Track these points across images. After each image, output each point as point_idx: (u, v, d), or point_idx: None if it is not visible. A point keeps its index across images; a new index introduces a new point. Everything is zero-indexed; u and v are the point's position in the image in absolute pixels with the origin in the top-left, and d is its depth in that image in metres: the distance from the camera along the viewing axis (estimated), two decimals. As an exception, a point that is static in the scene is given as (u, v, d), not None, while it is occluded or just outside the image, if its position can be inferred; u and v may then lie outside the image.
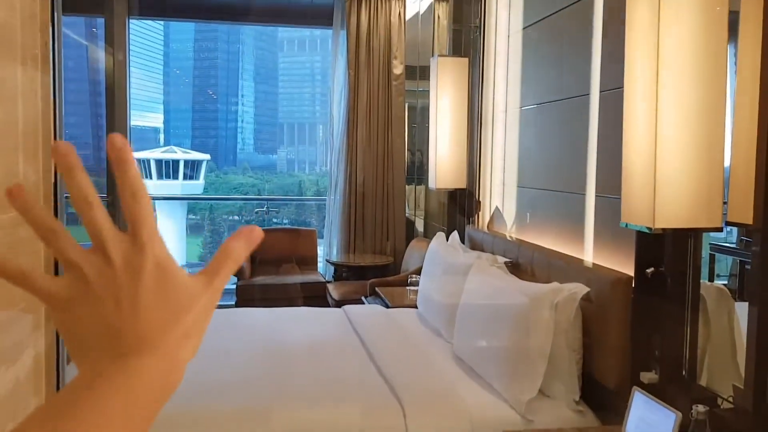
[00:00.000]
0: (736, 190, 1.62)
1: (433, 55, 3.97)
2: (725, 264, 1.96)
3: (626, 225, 1.75)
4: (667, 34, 1.57)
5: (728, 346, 1.80)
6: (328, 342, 2.80)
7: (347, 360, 2.59)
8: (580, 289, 2.17)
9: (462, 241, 3.33)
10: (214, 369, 2.42)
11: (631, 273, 2.03)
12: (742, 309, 1.72)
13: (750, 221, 1.57)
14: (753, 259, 1.59)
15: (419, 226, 4.94)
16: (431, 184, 3.87)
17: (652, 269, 1.94)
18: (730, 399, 1.71)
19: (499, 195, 3.32)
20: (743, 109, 1.59)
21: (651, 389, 1.81)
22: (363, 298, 3.76)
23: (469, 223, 3.63)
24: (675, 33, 1.57)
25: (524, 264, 2.72)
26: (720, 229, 1.64)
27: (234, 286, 4.43)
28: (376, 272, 4.22)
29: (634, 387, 1.77)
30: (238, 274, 4.42)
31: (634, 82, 1.69)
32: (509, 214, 3.20)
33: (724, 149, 1.60)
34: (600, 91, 2.31)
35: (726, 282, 1.86)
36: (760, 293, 1.55)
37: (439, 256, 3.15)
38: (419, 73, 4.72)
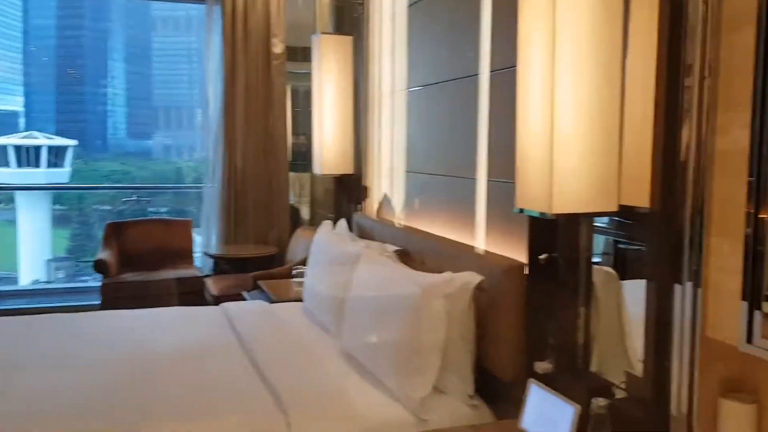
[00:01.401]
0: (628, 173, 1.57)
1: (315, 33, 3.77)
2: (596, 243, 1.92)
3: (521, 211, 1.66)
4: (565, 8, 1.47)
5: (618, 330, 1.77)
6: (203, 345, 2.56)
7: (225, 364, 2.37)
8: (473, 278, 2.08)
9: (350, 229, 3.18)
10: (70, 383, 2.13)
11: (525, 260, 1.97)
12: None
13: (641, 203, 1.53)
14: (649, 241, 1.55)
15: (305, 214, 4.75)
16: (316, 170, 3.69)
17: (545, 255, 1.88)
18: (623, 386, 1.68)
19: (388, 181, 3.20)
20: (635, 92, 1.53)
21: (546, 379, 1.76)
22: (245, 293, 3.53)
23: (357, 211, 3.48)
24: (573, 6, 1.47)
25: (415, 253, 2.61)
26: (615, 213, 1.59)
27: (99, 285, 4.04)
28: (259, 264, 3.98)
29: (531, 380, 1.70)
30: (103, 270, 4.02)
31: (527, 60, 1.60)
32: (398, 200, 3.08)
33: (622, 132, 1.54)
34: (490, 71, 2.22)
35: (599, 260, 1.83)
36: (656, 274, 1.51)
37: (325, 246, 2.98)
38: (303, 53, 4.49)
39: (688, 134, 1.38)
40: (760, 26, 1.19)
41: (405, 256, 2.64)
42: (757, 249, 1.22)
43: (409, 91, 2.96)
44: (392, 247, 2.69)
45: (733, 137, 1.26)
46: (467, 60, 2.38)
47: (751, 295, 1.22)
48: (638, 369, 1.61)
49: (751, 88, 1.22)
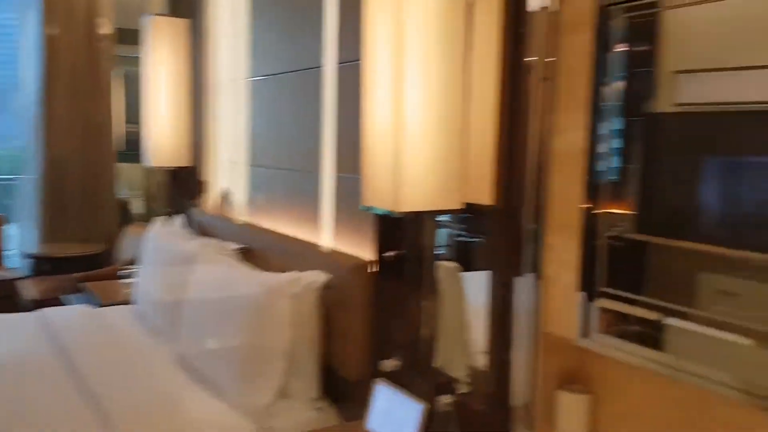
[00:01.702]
0: (472, 171, 1.58)
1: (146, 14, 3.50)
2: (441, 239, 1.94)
3: (368, 208, 1.61)
4: (411, 2, 1.44)
5: (461, 325, 1.79)
6: (16, 358, 2.26)
7: (43, 380, 2.10)
8: (319, 277, 2.02)
9: (188, 226, 2.98)
10: None
11: (372, 257, 1.94)
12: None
13: (485, 200, 1.55)
14: (492, 238, 1.58)
15: (139, 209, 4.41)
16: (147, 162, 3.43)
17: (392, 252, 1.86)
18: (467, 380, 1.70)
19: (230, 175, 3.04)
20: (478, 91, 1.54)
21: (394, 377, 1.74)
22: (66, 296, 3.19)
23: (195, 206, 3.28)
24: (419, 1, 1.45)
25: (258, 251, 2.50)
26: (462, 211, 1.59)
27: None
28: (85, 264, 3.63)
29: (376, 379, 1.67)
30: None
31: (373, 54, 1.55)
32: (241, 195, 2.94)
33: (467, 131, 1.54)
34: (338, 63, 2.16)
35: (444, 256, 1.86)
36: (498, 270, 1.53)
37: (159, 244, 2.77)
38: (136, 36, 4.16)
39: (528, 134, 1.41)
40: (596, 30, 1.23)
41: (248, 255, 2.52)
42: (591, 246, 1.26)
43: (252, 80, 2.82)
44: (233, 246, 2.56)
45: (571, 138, 1.30)
46: (313, 51, 2.30)
47: (587, 289, 1.27)
48: (481, 363, 1.64)
49: (587, 90, 1.26)
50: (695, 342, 1.10)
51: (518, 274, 1.46)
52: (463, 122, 1.54)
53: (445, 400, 1.48)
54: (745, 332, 1.02)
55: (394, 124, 1.50)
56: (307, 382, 2.00)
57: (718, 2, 1.04)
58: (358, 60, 1.65)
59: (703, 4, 1.06)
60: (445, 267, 1.84)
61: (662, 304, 1.15)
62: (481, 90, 1.53)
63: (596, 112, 1.24)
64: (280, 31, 2.60)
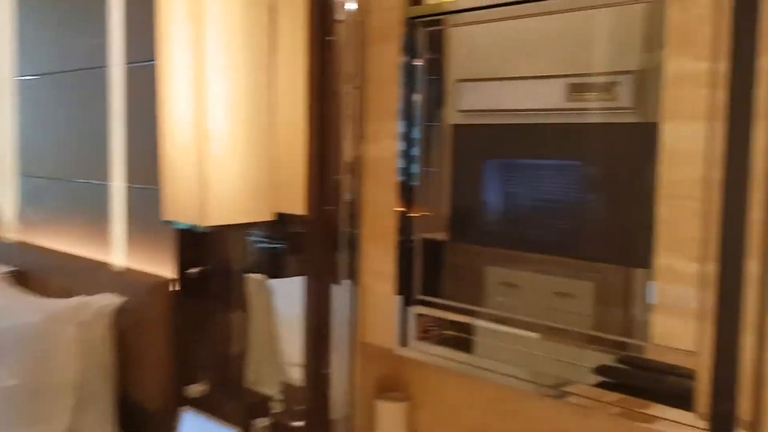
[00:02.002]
0: (283, 180, 1.52)
1: None
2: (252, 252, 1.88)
3: (170, 223, 1.49)
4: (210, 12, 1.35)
5: (271, 340, 1.73)
6: None
7: None
8: (112, 300, 1.83)
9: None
10: None
11: (173, 275, 1.79)
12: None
13: (298, 210, 1.50)
14: (307, 248, 1.52)
15: None
16: None
17: (196, 268, 1.74)
18: (283, 398, 1.65)
19: (-6, 186, 2.66)
20: (286, 98, 1.49)
21: (202, 403, 1.63)
22: None
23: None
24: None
25: (34, 274, 2.21)
26: (272, 222, 1.53)
27: None
28: None
29: (182, 407, 1.55)
30: None
31: (169, 55, 1.43)
32: (9, 209, 2.57)
33: (278, 137, 1.48)
34: (127, 63, 1.97)
35: (254, 270, 1.80)
36: (314, 281, 1.49)
37: None
38: None
39: (341, 142, 1.38)
40: (402, 41, 1.24)
41: (21, 279, 2.22)
42: (407, 252, 1.27)
43: (20, 80, 2.49)
44: (4, 268, 2.23)
45: (383, 146, 1.30)
46: (95, 48, 2.08)
47: (404, 296, 1.28)
48: (297, 378, 1.59)
49: (395, 98, 1.26)
50: (496, 341, 1.16)
51: (335, 283, 1.43)
52: (271, 130, 1.48)
53: (261, 423, 1.40)
54: (532, 327, 1.10)
55: (196, 133, 1.40)
56: (102, 417, 1.80)
57: (492, 23, 1.13)
58: (151, 60, 1.51)
59: (481, 24, 1.15)
60: (254, 280, 1.76)
61: (468, 307, 1.19)
62: (289, 98, 1.47)
63: (406, 120, 1.25)
64: (56, 25, 2.32)
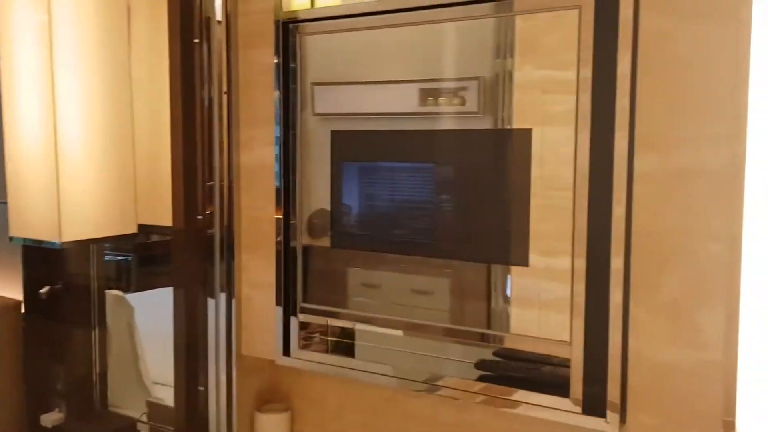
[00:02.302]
0: (147, 191, 1.44)
1: None
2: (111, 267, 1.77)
3: (21, 240, 1.35)
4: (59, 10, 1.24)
5: (135, 358, 1.64)
6: None
7: None
8: (-53, 327, 1.62)
9: None
10: None
11: (21, 296, 1.63)
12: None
13: (164, 222, 1.42)
14: (174, 261, 1.45)
15: None
16: None
17: (47, 288, 1.60)
18: (150, 420, 1.56)
19: None
20: (145, 106, 1.40)
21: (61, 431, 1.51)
22: None
23: None
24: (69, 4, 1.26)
25: None
26: (137, 235, 1.44)
27: None
28: None
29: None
30: None
31: (12, 59, 1.31)
32: None
33: (142, 147, 1.39)
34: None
35: (114, 286, 1.69)
36: (184, 295, 1.42)
37: None
38: None
39: (212, 149, 1.33)
40: (275, 46, 1.22)
41: None
42: (287, 262, 1.25)
43: None
44: None
45: (258, 152, 1.27)
46: None
47: (286, 306, 1.25)
48: (167, 397, 1.51)
49: (271, 104, 1.23)
50: (370, 343, 1.18)
51: (210, 296, 1.37)
52: (132, 140, 1.40)
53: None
54: (394, 324, 1.14)
55: (47, 143, 1.29)
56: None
57: (344, 33, 1.16)
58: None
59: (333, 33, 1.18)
60: (112, 296, 1.66)
61: (339, 310, 1.20)
62: (151, 104, 1.40)
63: (282, 124, 1.23)
64: None
